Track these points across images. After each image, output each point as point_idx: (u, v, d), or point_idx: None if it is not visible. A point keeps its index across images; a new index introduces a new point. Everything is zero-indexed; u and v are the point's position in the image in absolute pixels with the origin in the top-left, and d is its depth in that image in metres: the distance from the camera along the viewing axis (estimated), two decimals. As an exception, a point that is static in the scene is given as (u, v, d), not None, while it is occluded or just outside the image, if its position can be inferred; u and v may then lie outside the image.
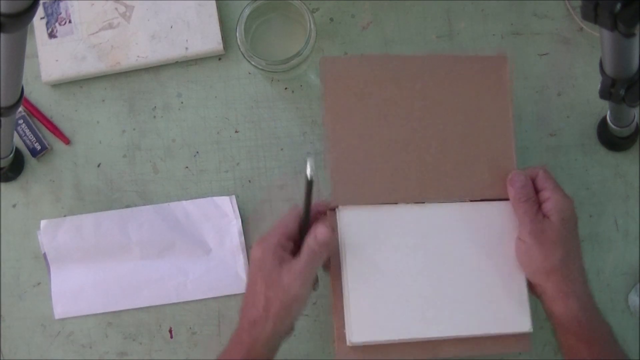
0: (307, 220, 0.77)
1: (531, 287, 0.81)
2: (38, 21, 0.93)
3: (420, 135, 0.83)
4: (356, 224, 0.80)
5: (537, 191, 0.81)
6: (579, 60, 0.93)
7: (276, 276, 0.75)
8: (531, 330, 0.80)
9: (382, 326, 0.78)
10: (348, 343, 0.79)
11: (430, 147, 0.83)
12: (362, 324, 0.78)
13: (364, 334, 0.78)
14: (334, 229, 0.78)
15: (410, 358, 0.80)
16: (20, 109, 0.92)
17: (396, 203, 0.82)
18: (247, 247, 0.91)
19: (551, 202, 0.79)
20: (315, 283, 0.80)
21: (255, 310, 0.77)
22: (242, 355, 0.76)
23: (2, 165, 0.90)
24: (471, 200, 0.82)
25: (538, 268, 0.78)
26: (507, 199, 0.82)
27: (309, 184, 0.72)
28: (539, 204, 0.80)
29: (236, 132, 0.94)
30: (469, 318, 0.80)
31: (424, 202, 0.82)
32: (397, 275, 0.80)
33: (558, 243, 0.78)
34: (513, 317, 0.80)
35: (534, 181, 0.81)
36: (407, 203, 0.82)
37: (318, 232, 0.76)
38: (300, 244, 0.77)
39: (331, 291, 0.80)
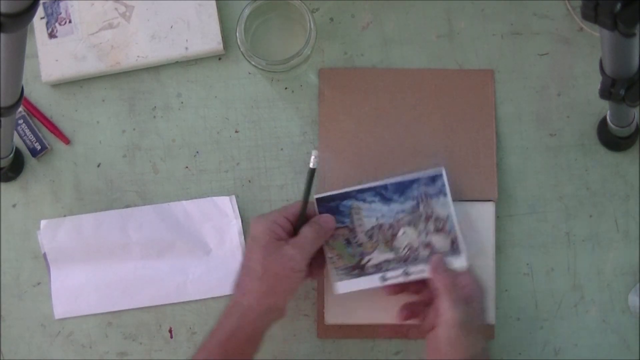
0: (305, 208, 0.81)
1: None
2: (38, 21, 0.93)
3: (407, 141, 0.91)
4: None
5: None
6: (579, 60, 0.93)
7: (275, 248, 0.77)
8: (494, 322, 0.88)
9: (355, 310, 0.88)
10: (325, 323, 0.89)
11: (416, 152, 0.91)
12: (337, 307, 0.88)
13: (337, 317, 0.89)
14: (333, 220, 0.84)
15: (382, 338, 0.90)
16: (20, 109, 0.92)
17: None
18: (247, 247, 0.92)
19: (471, 289, 0.80)
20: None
21: (250, 279, 0.77)
22: (232, 327, 0.77)
23: (2, 165, 0.90)
24: (453, 201, 0.87)
25: (460, 357, 0.77)
26: (487, 200, 0.89)
27: (311, 172, 0.80)
28: (434, 309, 0.79)
29: (236, 132, 0.94)
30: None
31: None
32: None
33: (480, 331, 0.80)
34: None
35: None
36: None
37: (323, 217, 0.83)
38: (296, 233, 0.81)
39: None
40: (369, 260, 0.85)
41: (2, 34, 0.64)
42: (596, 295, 0.90)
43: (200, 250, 0.92)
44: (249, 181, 0.93)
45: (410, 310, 0.84)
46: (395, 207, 0.85)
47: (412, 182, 0.85)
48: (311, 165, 0.80)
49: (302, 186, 0.92)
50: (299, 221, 0.82)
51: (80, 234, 0.92)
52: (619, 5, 0.58)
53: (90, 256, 0.92)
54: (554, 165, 0.92)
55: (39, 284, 0.93)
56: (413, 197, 0.85)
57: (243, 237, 0.91)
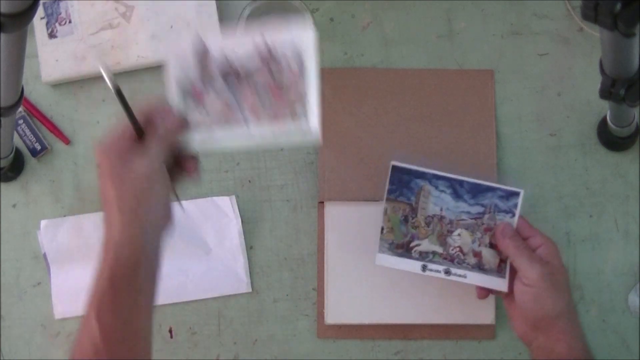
0: (134, 122, 0.71)
1: (526, 332, 0.79)
2: (38, 21, 0.93)
3: (407, 141, 0.91)
4: (340, 219, 0.90)
5: (524, 238, 0.82)
6: (579, 60, 0.93)
7: (121, 165, 0.68)
8: (494, 322, 0.88)
9: (355, 310, 0.88)
10: (325, 323, 0.89)
11: (416, 152, 0.91)
12: (337, 307, 0.89)
13: (338, 316, 0.89)
14: (183, 119, 0.74)
15: (382, 338, 0.90)
16: (20, 109, 0.92)
17: (378, 200, 0.88)
18: (247, 247, 0.91)
19: (546, 247, 0.79)
20: (177, 197, 0.74)
21: (109, 208, 0.68)
22: (112, 264, 0.68)
23: (2, 165, 0.90)
24: None
25: (546, 313, 0.77)
26: None
27: (117, 92, 0.70)
28: (533, 249, 0.80)
29: (236, 132, 0.94)
30: (438, 309, 0.88)
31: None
32: (373, 265, 0.85)
33: (565, 285, 0.78)
34: (480, 310, 0.88)
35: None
36: None
37: (167, 119, 0.72)
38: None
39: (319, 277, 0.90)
40: (417, 245, 0.84)
41: (2, 34, 0.64)
42: (596, 295, 0.90)
43: (200, 250, 0.91)
44: (249, 181, 0.93)
45: (487, 289, 0.83)
46: (462, 205, 0.84)
47: (488, 189, 0.84)
48: (110, 85, 0.69)
49: (302, 186, 0.92)
50: (136, 129, 0.71)
51: (80, 234, 0.92)
52: (619, 5, 0.58)
53: (90, 256, 0.91)
54: (554, 165, 0.92)
55: (39, 284, 0.93)
56: (483, 204, 0.84)
57: (243, 237, 0.91)
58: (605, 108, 0.90)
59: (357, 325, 0.89)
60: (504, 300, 0.83)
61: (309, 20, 0.79)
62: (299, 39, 0.75)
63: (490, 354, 0.90)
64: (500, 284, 0.82)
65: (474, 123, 0.91)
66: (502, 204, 0.84)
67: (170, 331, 0.91)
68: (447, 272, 0.83)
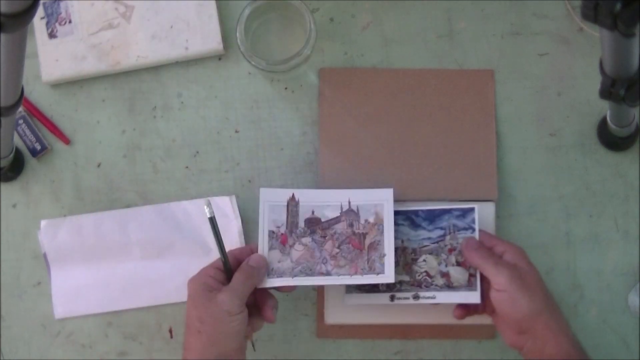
0: (226, 258, 0.82)
1: (514, 338, 0.80)
2: (38, 21, 0.93)
3: (407, 141, 0.91)
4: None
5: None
6: (579, 60, 0.93)
7: (207, 299, 0.78)
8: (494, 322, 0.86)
9: (354, 310, 0.88)
10: (325, 323, 0.89)
11: (416, 152, 0.91)
12: (337, 308, 0.88)
13: (338, 316, 0.88)
14: (265, 259, 0.85)
15: (382, 338, 0.90)
16: (20, 109, 0.92)
17: None
18: (247, 247, 0.92)
19: (510, 252, 0.80)
20: (252, 340, 0.85)
21: (190, 336, 0.79)
22: None
23: (2, 165, 0.90)
24: (451, 200, 0.88)
25: (526, 313, 0.77)
26: (488, 200, 0.89)
27: (211, 222, 0.80)
28: (499, 257, 0.81)
29: (236, 132, 0.94)
30: (438, 309, 0.87)
31: (405, 201, 0.89)
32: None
33: (537, 284, 0.79)
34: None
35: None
36: None
37: (252, 257, 0.83)
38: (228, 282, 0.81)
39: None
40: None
41: (2, 34, 0.64)
42: (596, 295, 0.90)
43: (200, 250, 0.92)
44: (249, 181, 0.93)
45: (464, 308, 0.84)
46: (422, 233, 0.86)
47: (443, 212, 0.86)
48: (208, 214, 0.80)
49: (302, 186, 0.92)
50: (226, 268, 0.82)
51: (80, 234, 0.92)
52: (619, 5, 0.58)
53: (90, 256, 0.92)
54: (554, 165, 0.92)
55: (39, 284, 0.93)
56: (442, 227, 0.85)
57: (243, 237, 0.91)
58: (605, 108, 0.90)
59: (357, 325, 0.89)
60: (490, 315, 0.83)
61: (390, 191, 0.87)
62: (378, 197, 0.86)
63: (490, 354, 0.90)
64: (471, 296, 0.82)
65: (474, 123, 0.91)
66: (460, 223, 0.85)
67: (170, 331, 0.91)
68: (416, 297, 0.84)
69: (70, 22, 0.93)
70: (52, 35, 0.93)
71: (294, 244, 0.86)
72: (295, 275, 0.84)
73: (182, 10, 0.93)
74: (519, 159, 0.92)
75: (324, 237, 0.86)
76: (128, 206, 0.93)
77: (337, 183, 0.90)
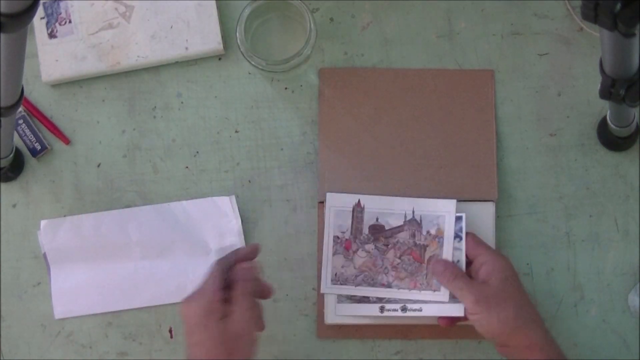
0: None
1: (498, 349, 0.81)
2: (38, 21, 0.93)
3: (407, 141, 0.91)
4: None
5: (470, 260, 0.84)
6: (579, 60, 0.93)
7: (220, 333, 0.74)
8: None
9: (354, 310, 0.87)
10: (325, 323, 0.88)
11: (416, 151, 0.91)
12: (337, 308, 0.87)
13: (337, 316, 0.88)
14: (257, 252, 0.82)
15: (382, 338, 0.90)
16: (20, 109, 0.92)
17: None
18: (247, 247, 0.92)
19: (487, 265, 0.81)
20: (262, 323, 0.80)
21: (195, 352, 0.74)
22: None
23: (2, 165, 0.90)
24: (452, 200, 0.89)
25: (497, 331, 0.79)
26: (488, 200, 0.89)
27: None
28: (476, 270, 0.82)
29: (236, 132, 0.94)
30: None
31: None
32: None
33: (506, 301, 0.79)
34: None
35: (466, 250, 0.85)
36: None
37: (239, 267, 0.78)
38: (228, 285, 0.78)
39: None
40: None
41: (2, 34, 0.64)
42: (596, 295, 0.90)
43: (200, 250, 0.92)
44: (249, 181, 0.93)
45: (449, 318, 0.85)
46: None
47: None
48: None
49: (302, 186, 0.92)
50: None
51: (80, 234, 0.92)
52: (619, 5, 0.58)
53: (90, 256, 0.92)
54: (554, 165, 0.92)
55: (39, 284, 0.93)
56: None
57: (243, 237, 0.91)
58: (605, 108, 0.90)
59: (357, 325, 0.89)
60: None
61: (454, 200, 0.87)
62: (441, 207, 0.87)
63: (490, 354, 0.90)
64: (455, 309, 0.83)
65: (474, 123, 0.91)
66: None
67: (170, 331, 0.91)
68: (404, 309, 0.85)
69: (70, 22, 0.93)
70: (52, 35, 0.93)
71: (358, 250, 0.87)
72: (358, 284, 0.86)
73: (182, 10, 0.93)
74: (519, 159, 0.92)
75: (387, 245, 0.87)
76: (128, 206, 0.93)
77: (337, 183, 0.90)
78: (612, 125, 0.87)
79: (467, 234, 0.85)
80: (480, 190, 0.90)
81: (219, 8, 0.93)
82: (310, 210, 0.92)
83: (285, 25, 0.92)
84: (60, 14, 0.93)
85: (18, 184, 0.94)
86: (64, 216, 0.93)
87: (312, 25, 0.87)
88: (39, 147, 0.93)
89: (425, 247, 0.86)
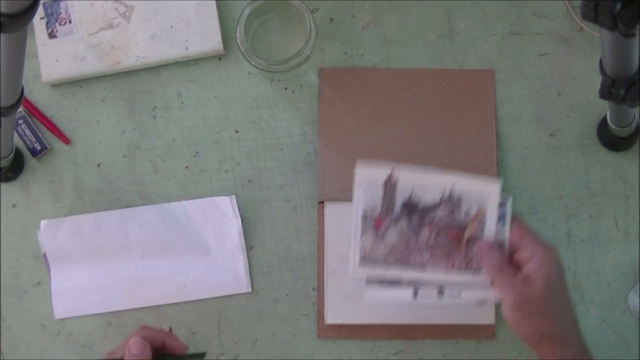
0: None
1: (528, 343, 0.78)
2: (38, 21, 0.93)
3: (407, 141, 0.91)
4: (340, 219, 0.89)
5: (513, 250, 0.79)
6: (579, 60, 0.93)
7: None
8: (494, 322, 0.88)
9: (355, 310, 0.88)
10: (325, 323, 0.89)
11: (416, 151, 0.91)
12: (337, 307, 0.88)
13: (337, 316, 0.88)
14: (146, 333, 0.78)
15: (382, 338, 0.89)
16: (20, 109, 0.92)
17: None
18: (247, 247, 0.92)
19: (534, 262, 0.76)
20: None
21: None
22: None
23: (2, 165, 0.90)
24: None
25: (528, 336, 0.76)
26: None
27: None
28: (522, 263, 0.77)
29: (236, 132, 0.94)
30: (438, 309, 0.86)
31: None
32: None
33: (545, 311, 0.75)
34: (480, 310, 0.88)
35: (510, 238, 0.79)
36: None
37: (131, 345, 0.75)
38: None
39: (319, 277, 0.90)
40: None
41: (2, 34, 0.64)
42: (596, 295, 0.90)
43: (200, 250, 0.92)
44: (249, 181, 0.93)
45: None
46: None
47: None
48: None
49: (302, 186, 0.92)
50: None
51: (80, 234, 0.92)
52: (619, 5, 0.58)
53: (90, 256, 0.92)
54: (554, 165, 0.92)
55: (39, 284, 0.93)
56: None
57: (243, 237, 0.91)
58: (605, 108, 0.90)
59: (357, 325, 0.89)
60: None
61: (497, 179, 0.80)
62: (484, 187, 0.79)
63: (490, 354, 0.90)
64: (489, 293, 0.80)
65: (474, 123, 0.91)
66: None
67: (170, 331, 0.91)
68: (440, 293, 0.80)
69: (70, 22, 0.93)
70: (52, 35, 0.93)
71: (389, 228, 0.79)
72: (389, 265, 0.78)
73: (182, 10, 0.93)
74: (519, 159, 0.92)
75: (421, 224, 0.79)
76: (128, 206, 0.93)
77: (337, 183, 0.90)
78: (612, 125, 0.87)
79: (513, 219, 0.79)
80: None
81: (219, 8, 0.93)
82: (310, 210, 0.92)
83: (285, 25, 0.92)
84: (60, 14, 0.93)
85: (18, 184, 0.94)
86: (64, 216, 0.93)
87: (312, 25, 0.87)
88: (39, 147, 0.94)
89: (464, 227, 0.79)
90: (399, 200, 0.79)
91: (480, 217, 0.78)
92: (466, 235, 0.78)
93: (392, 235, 0.79)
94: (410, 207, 0.79)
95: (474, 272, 0.78)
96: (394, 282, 0.80)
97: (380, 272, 0.79)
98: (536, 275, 0.75)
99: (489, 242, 0.79)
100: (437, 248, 0.79)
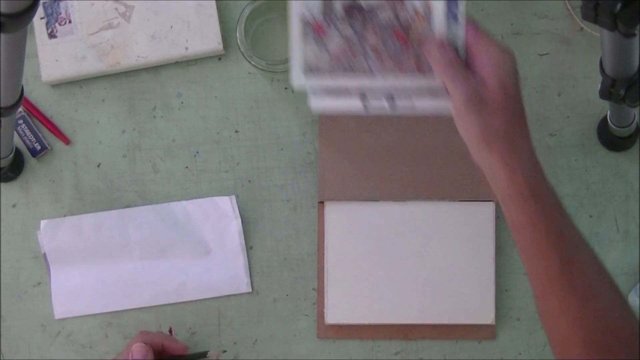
0: None
1: (473, 155, 0.69)
2: (38, 21, 0.93)
3: (407, 140, 0.91)
4: (339, 218, 0.90)
5: (468, 53, 0.69)
6: (579, 60, 0.93)
7: None
8: (494, 322, 0.88)
9: (355, 310, 0.89)
10: (325, 323, 0.89)
11: (416, 151, 0.91)
12: (337, 307, 0.89)
13: (338, 316, 0.89)
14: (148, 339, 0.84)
15: (382, 338, 0.90)
16: (20, 109, 0.92)
17: (378, 200, 0.90)
18: (247, 247, 0.92)
19: (489, 60, 0.67)
20: None
21: None
22: None
23: (2, 165, 0.90)
24: (450, 201, 0.89)
25: (479, 135, 0.67)
26: (488, 200, 0.89)
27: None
28: (474, 64, 0.68)
29: (236, 132, 0.94)
30: (439, 309, 0.89)
31: (404, 201, 0.89)
32: (373, 265, 0.89)
33: (498, 111, 0.67)
34: (479, 310, 0.89)
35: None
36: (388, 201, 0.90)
37: (134, 351, 0.82)
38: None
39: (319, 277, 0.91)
40: None
41: (2, 34, 0.64)
42: (596, 295, 0.90)
43: (200, 250, 0.92)
44: (249, 181, 0.93)
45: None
46: None
47: None
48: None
49: (302, 186, 0.92)
50: None
51: (80, 234, 0.92)
52: (619, 5, 0.58)
53: (90, 256, 0.92)
54: (554, 165, 0.92)
55: (39, 284, 0.93)
56: None
57: (243, 237, 0.91)
58: (605, 108, 0.90)
59: (357, 325, 0.89)
60: None
61: None
62: None
63: (490, 354, 0.90)
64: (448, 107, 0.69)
65: None
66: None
67: (170, 331, 0.91)
68: (391, 100, 0.71)
69: (70, 22, 0.93)
70: (52, 35, 0.93)
71: (331, 33, 0.70)
72: (335, 73, 0.70)
73: (182, 10, 0.93)
74: (519, 159, 0.92)
75: (365, 26, 0.70)
76: (128, 206, 0.93)
77: (337, 183, 0.90)
78: (612, 125, 0.87)
79: (467, 20, 0.71)
80: (480, 190, 0.90)
81: (219, 8, 0.93)
82: (310, 210, 0.92)
83: (285, 25, 0.92)
84: (60, 14, 0.93)
85: (18, 184, 0.94)
86: (64, 216, 0.93)
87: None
88: (39, 147, 0.93)
89: (409, 27, 0.70)
90: (341, 1, 0.70)
91: (428, 15, 0.70)
92: (413, 34, 0.70)
93: (335, 41, 0.71)
94: (353, 8, 0.71)
95: (427, 75, 0.69)
96: (342, 91, 0.72)
97: (326, 81, 0.71)
98: (491, 76, 0.66)
99: (438, 38, 0.70)
100: (384, 51, 0.70)
